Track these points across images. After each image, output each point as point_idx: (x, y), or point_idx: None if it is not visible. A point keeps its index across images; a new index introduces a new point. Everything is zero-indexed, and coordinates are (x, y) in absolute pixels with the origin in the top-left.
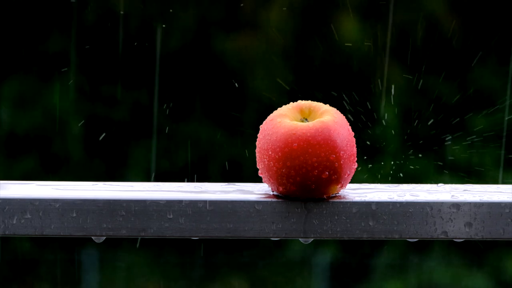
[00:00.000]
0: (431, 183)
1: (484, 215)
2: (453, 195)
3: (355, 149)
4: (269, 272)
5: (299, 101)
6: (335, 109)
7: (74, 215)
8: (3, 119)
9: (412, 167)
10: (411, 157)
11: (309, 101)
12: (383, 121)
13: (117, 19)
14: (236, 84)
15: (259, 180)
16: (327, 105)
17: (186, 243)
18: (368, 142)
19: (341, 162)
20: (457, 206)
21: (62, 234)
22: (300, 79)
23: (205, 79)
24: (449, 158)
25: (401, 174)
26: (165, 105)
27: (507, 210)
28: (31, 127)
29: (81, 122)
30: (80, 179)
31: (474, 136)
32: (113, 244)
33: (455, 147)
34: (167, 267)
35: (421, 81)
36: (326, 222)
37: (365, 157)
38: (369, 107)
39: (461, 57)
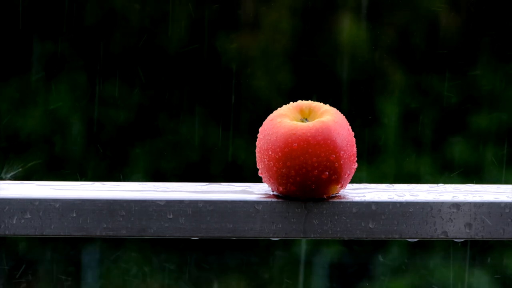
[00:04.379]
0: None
1: (484, 215)
2: (453, 195)
3: (355, 149)
4: (269, 272)
5: (299, 101)
6: (335, 109)
7: (74, 215)
8: (3, 119)
9: (412, 167)
10: (411, 157)
11: (309, 101)
12: (383, 121)
13: (117, 18)
14: (236, 84)
15: (259, 180)
16: (327, 105)
17: (186, 243)
18: (368, 142)
19: (341, 162)
20: (457, 206)
21: (62, 234)
22: (300, 79)
23: (206, 79)
24: (449, 158)
25: (401, 174)
26: (166, 105)
27: (507, 210)
28: (31, 127)
29: (82, 122)
30: (80, 179)
31: (475, 136)
32: (113, 243)
33: (455, 147)
34: (167, 267)
35: (422, 80)
36: (326, 222)
37: (365, 157)
38: (369, 107)
39: (462, 57)
